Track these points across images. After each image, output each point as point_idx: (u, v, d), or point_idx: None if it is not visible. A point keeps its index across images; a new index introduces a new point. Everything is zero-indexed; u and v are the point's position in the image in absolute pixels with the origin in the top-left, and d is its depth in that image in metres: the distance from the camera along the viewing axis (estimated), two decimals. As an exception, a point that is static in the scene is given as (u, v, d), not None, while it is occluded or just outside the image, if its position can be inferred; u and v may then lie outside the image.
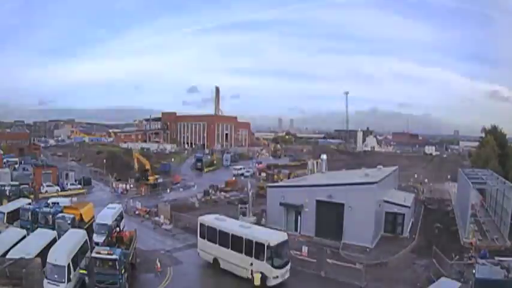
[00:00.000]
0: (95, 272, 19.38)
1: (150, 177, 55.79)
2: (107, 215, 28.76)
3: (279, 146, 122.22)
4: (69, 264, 19.03)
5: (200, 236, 25.64)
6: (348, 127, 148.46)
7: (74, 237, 21.76)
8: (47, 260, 18.82)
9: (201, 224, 25.68)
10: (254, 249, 22.04)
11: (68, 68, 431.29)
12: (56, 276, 18.56)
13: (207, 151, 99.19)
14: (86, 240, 22.80)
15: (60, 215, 25.90)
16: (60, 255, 19.11)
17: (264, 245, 21.61)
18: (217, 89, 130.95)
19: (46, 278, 18.60)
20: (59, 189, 48.59)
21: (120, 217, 30.93)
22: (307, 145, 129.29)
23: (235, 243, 23.04)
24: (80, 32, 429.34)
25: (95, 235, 26.44)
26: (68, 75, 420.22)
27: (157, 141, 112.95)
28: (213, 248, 24.45)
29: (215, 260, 24.38)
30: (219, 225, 24.64)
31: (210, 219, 25.91)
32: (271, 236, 22.73)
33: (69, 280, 18.79)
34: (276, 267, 21.55)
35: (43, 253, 19.57)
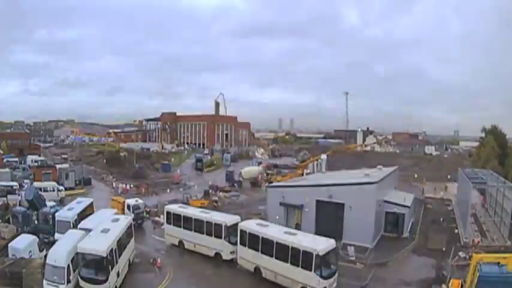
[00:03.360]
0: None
1: None
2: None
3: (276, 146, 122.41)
4: (68, 265, 19.02)
5: (241, 244, 24.35)
6: (348, 127, 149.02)
7: (74, 238, 21.65)
8: (46, 261, 18.84)
9: (241, 231, 24.33)
10: (301, 258, 20.48)
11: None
12: (55, 277, 18.54)
13: (206, 151, 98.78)
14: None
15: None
16: (60, 256, 19.11)
17: (312, 253, 20.02)
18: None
19: (45, 279, 18.61)
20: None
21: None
22: (307, 145, 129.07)
23: (279, 251, 21.60)
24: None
25: None
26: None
27: (161, 143, 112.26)
28: (255, 257, 23.13)
29: (257, 268, 23.07)
30: (260, 232, 23.28)
31: (250, 226, 24.37)
32: (319, 244, 20.90)
33: (68, 281, 18.78)
34: (324, 278, 20.08)
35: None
